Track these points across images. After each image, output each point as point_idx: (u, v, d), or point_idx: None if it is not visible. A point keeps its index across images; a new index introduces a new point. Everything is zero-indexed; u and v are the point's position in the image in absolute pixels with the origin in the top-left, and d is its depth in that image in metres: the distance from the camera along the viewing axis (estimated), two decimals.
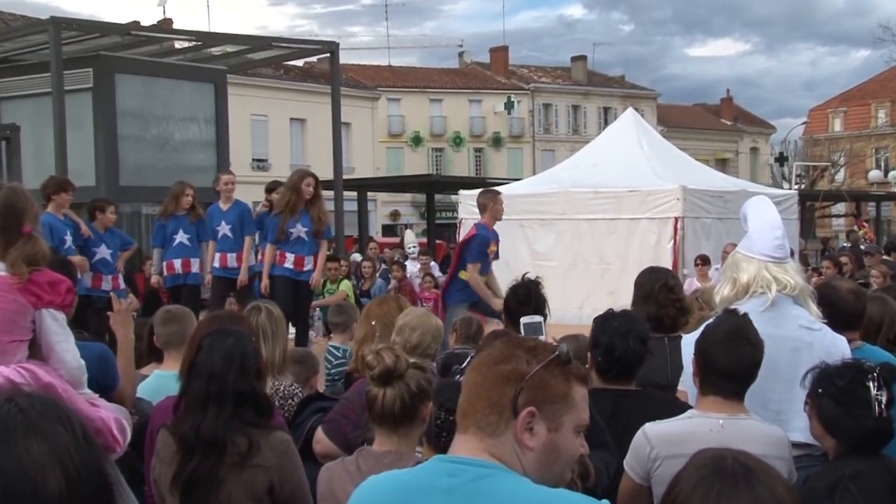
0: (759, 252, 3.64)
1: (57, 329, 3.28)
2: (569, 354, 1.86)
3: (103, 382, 3.60)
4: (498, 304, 8.46)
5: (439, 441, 3.09)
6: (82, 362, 3.35)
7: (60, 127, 12.98)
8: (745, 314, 3.24)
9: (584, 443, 1.91)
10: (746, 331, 3.13)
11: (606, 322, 3.67)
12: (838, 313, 3.79)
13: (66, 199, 8.61)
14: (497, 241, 8.86)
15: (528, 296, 4.77)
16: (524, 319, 3.59)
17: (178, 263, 9.57)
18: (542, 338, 3.05)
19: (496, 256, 8.87)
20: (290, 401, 4.16)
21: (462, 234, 12.44)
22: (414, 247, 16.87)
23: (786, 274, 3.59)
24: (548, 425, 1.82)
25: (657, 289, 4.41)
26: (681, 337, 4.26)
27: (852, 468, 2.80)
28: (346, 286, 12.07)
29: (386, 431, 2.98)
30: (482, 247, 8.59)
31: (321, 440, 3.65)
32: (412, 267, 15.21)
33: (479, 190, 10.19)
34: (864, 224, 25.88)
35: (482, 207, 8.91)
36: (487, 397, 1.84)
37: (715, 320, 3.29)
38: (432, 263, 14.91)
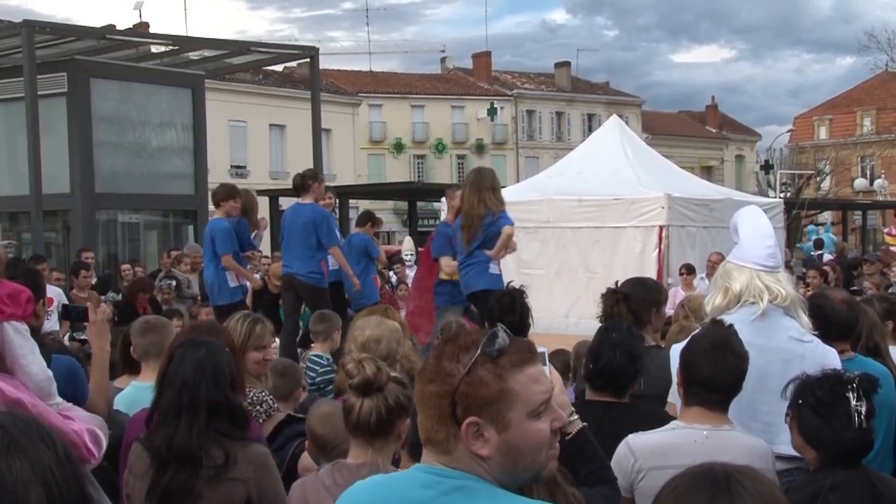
0: (752, 261, 3.66)
1: (20, 342, 3.24)
2: (500, 347, 1.78)
3: (72, 396, 3.56)
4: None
5: (419, 451, 3.08)
6: (49, 373, 3.32)
7: (34, 132, 12.93)
8: (731, 325, 3.26)
9: (557, 415, 1.85)
10: (731, 342, 3.15)
11: (606, 332, 3.67)
12: (831, 324, 3.82)
13: (234, 207, 9.26)
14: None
15: (512, 304, 4.78)
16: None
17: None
18: (546, 368, 3.00)
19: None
20: (258, 407, 4.13)
21: None
22: (411, 254, 16.89)
23: (778, 283, 3.61)
24: (496, 428, 1.77)
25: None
26: (658, 347, 4.29)
27: (832, 480, 2.83)
28: None
29: (361, 443, 2.97)
30: (442, 238, 8.57)
31: (310, 467, 3.58)
32: (412, 274, 15.15)
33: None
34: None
35: (448, 204, 8.87)
36: (430, 415, 1.82)
37: (700, 331, 3.32)
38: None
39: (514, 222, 8.32)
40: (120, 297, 11.27)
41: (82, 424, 3.29)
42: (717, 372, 3.10)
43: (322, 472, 3.06)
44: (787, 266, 15.05)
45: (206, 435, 3.02)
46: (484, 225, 8.03)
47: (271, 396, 4.26)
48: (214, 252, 9.21)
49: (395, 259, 16.25)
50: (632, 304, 4.44)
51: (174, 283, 11.39)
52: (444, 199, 8.92)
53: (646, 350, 4.23)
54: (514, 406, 1.77)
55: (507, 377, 1.77)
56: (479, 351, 1.78)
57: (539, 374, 1.83)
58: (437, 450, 1.82)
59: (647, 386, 4.04)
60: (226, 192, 9.33)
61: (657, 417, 3.50)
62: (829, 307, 3.92)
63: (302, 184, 9.32)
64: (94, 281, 11.33)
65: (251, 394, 4.14)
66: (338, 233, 9.43)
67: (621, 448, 3.13)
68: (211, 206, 17.14)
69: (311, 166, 16.55)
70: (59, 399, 3.36)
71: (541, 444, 1.82)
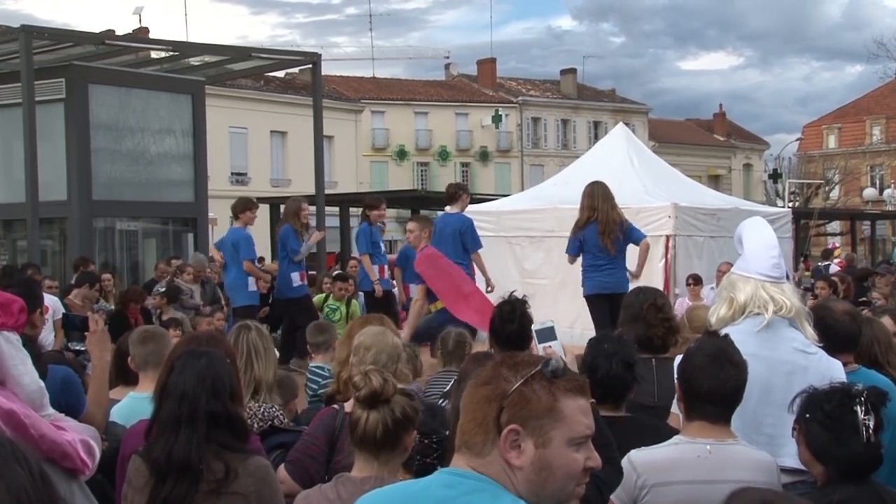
0: (756, 272, 3.67)
1: (11, 352, 3.23)
2: (554, 368, 1.87)
3: (67, 407, 3.55)
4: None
5: (412, 464, 3.08)
6: (41, 384, 3.30)
7: (31, 139, 12.93)
8: (727, 335, 3.27)
9: (593, 455, 1.91)
10: (729, 353, 3.16)
11: (598, 343, 3.68)
12: (833, 335, 3.82)
13: (251, 217, 10.65)
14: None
15: (512, 313, 4.79)
16: (535, 326, 3.57)
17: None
18: (556, 343, 3.04)
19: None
20: (269, 423, 4.13)
21: None
22: None
23: (783, 294, 3.62)
24: (535, 441, 1.84)
25: (645, 308, 4.44)
26: (669, 358, 4.29)
27: (841, 495, 2.83)
28: (354, 307, 12.06)
29: (366, 457, 2.97)
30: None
31: (285, 480, 3.60)
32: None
33: (467, 208, 10.60)
34: (836, 246, 26.02)
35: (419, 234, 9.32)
36: (473, 417, 1.89)
37: (696, 343, 3.32)
38: None
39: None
40: (111, 307, 11.28)
41: (75, 435, 3.28)
42: (717, 385, 3.10)
43: (326, 485, 3.06)
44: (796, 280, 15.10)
45: (207, 447, 3.02)
46: (622, 231, 9.15)
47: (281, 412, 4.26)
48: (235, 257, 10.45)
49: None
50: (668, 312, 4.49)
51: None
52: (412, 226, 9.34)
53: (661, 360, 4.24)
54: (559, 427, 1.85)
55: (560, 398, 1.87)
56: (538, 368, 1.87)
57: (588, 410, 1.92)
58: (472, 452, 1.88)
59: (660, 397, 4.05)
60: (242, 205, 10.71)
61: (657, 430, 3.50)
62: (832, 318, 3.92)
63: (454, 194, 10.36)
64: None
65: (261, 409, 4.15)
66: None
67: (623, 464, 3.12)
68: (212, 214, 17.30)
69: (313, 174, 16.60)
70: (51, 410, 3.35)
71: (572, 474, 1.88)
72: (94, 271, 11.83)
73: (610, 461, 2.98)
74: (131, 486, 3.10)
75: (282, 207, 12.01)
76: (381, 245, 11.69)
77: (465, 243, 9.97)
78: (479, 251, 10.11)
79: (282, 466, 3.70)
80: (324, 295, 11.80)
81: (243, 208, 10.62)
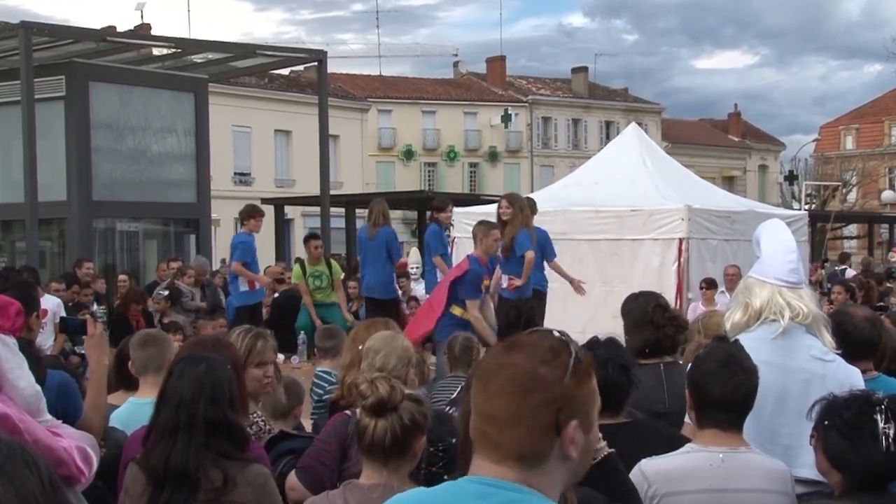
0: (773, 276, 3.66)
1: (7, 355, 3.22)
2: (579, 354, 1.84)
3: (63, 413, 3.54)
4: (494, 340, 8.34)
5: (419, 472, 3.08)
6: (38, 388, 3.30)
7: (30, 137, 12.98)
8: (737, 340, 3.27)
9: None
10: (739, 358, 3.15)
11: (588, 350, 3.63)
12: (853, 342, 3.81)
13: (255, 225, 11.38)
14: (490, 276, 8.66)
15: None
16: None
17: None
18: None
19: (488, 291, 8.66)
20: (248, 428, 4.11)
21: (455, 254, 12.45)
22: (418, 267, 16.81)
23: (800, 300, 3.60)
24: (583, 428, 1.82)
25: (651, 311, 4.41)
26: (677, 363, 4.28)
27: None
28: (336, 267, 12.17)
29: (375, 465, 2.98)
30: (476, 282, 8.32)
31: (296, 487, 3.60)
32: (418, 288, 15.09)
33: (475, 209, 10.53)
34: None
35: (474, 237, 8.73)
36: (533, 427, 1.77)
37: (706, 349, 3.31)
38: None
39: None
40: (105, 309, 11.28)
41: (72, 442, 3.27)
42: (729, 390, 3.10)
43: (334, 492, 3.07)
44: (813, 284, 15.06)
45: (205, 455, 3.01)
46: None
47: (263, 418, 4.25)
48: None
49: (400, 273, 16.17)
50: (673, 311, 4.49)
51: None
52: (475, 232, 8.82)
53: (669, 365, 4.23)
54: (593, 406, 1.86)
55: (592, 378, 1.87)
56: (572, 356, 1.82)
57: None
58: (526, 463, 1.77)
59: (670, 403, 4.04)
60: (247, 212, 11.46)
61: (659, 433, 3.49)
62: (851, 325, 3.91)
63: (534, 209, 10.80)
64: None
65: (260, 420, 4.14)
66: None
67: (634, 473, 3.11)
68: (214, 215, 17.39)
69: (318, 174, 16.63)
70: (48, 416, 3.34)
71: (594, 444, 1.90)
72: (87, 272, 11.82)
73: None
74: (128, 494, 3.10)
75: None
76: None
77: (545, 254, 10.43)
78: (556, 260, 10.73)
79: (292, 473, 3.70)
80: (298, 267, 12.02)
81: (247, 216, 11.41)
